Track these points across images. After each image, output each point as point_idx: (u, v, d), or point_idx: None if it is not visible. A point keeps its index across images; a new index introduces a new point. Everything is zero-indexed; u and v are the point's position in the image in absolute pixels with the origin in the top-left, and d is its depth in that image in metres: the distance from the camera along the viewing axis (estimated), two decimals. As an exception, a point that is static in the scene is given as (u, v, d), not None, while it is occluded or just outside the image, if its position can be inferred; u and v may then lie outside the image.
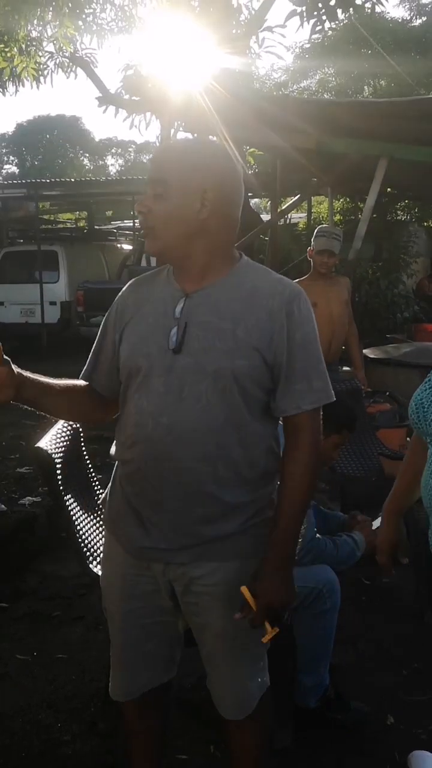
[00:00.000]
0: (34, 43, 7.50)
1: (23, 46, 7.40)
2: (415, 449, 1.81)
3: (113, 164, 39.45)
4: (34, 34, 7.26)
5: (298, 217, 13.88)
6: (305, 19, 6.62)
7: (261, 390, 1.56)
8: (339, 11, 6.70)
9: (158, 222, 1.53)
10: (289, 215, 12.16)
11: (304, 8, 6.52)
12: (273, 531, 1.58)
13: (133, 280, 1.74)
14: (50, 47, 7.85)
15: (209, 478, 1.55)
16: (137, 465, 1.60)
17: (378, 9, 7.11)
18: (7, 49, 7.33)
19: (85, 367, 1.75)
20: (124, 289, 1.72)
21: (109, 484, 1.75)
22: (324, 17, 6.57)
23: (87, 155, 38.83)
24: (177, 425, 1.53)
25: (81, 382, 1.72)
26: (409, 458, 1.85)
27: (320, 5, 6.48)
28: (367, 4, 6.72)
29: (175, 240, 1.54)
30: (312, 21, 6.65)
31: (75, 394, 1.68)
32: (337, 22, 7.31)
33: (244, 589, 1.54)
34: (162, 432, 1.54)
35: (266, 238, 10.07)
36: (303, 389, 1.56)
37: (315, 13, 6.58)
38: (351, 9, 6.96)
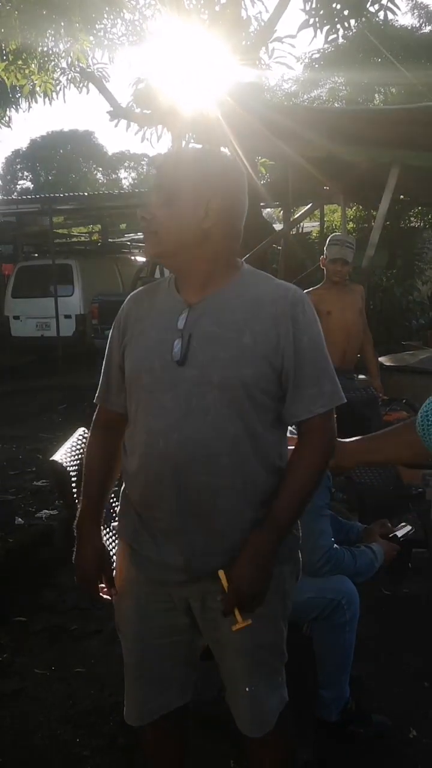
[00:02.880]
0: (52, 59, 7.55)
1: (41, 62, 7.46)
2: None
3: (126, 177, 39.72)
4: (51, 50, 7.32)
5: (310, 225, 13.88)
6: (318, 27, 6.64)
7: (269, 398, 1.54)
8: (352, 21, 6.71)
9: (161, 227, 1.53)
10: (302, 224, 12.16)
11: (316, 19, 6.54)
12: (264, 521, 1.52)
13: (131, 294, 1.71)
14: (62, 63, 7.93)
15: (226, 493, 1.52)
16: (150, 485, 1.57)
17: (390, 16, 7.08)
18: (24, 66, 7.39)
19: (98, 391, 1.74)
20: (123, 304, 1.70)
21: (120, 498, 1.74)
22: (337, 25, 6.59)
23: (100, 169, 39.13)
24: (188, 441, 1.51)
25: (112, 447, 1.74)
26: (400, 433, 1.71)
27: (333, 14, 6.50)
28: (380, 12, 6.71)
29: (176, 246, 1.54)
30: (325, 29, 6.67)
31: (115, 459, 1.75)
32: (349, 30, 7.31)
33: (221, 572, 1.51)
34: (174, 449, 1.51)
35: (279, 248, 10.07)
36: (314, 393, 1.54)
37: (325, 21, 6.60)
38: (363, 18, 6.97)
